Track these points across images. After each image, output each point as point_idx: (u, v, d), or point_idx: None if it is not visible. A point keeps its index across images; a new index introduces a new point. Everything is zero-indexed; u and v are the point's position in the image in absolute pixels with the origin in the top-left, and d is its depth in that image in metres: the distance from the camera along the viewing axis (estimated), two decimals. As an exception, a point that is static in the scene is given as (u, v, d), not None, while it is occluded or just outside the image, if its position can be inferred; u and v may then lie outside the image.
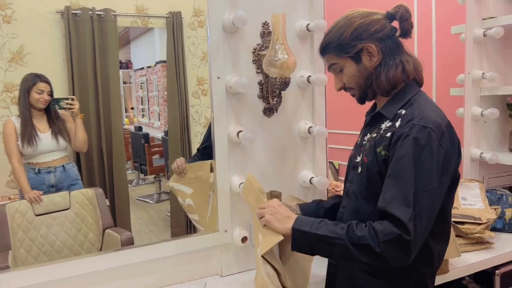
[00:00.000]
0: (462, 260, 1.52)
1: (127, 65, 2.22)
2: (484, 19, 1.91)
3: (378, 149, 1.02)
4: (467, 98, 1.93)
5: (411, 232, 0.91)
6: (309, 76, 1.49)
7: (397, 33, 1.10)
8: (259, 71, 1.47)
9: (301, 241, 1.02)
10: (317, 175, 1.57)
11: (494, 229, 1.73)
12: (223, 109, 1.41)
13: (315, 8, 1.52)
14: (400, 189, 0.94)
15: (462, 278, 1.64)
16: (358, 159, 1.12)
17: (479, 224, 1.61)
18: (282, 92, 1.44)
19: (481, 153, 1.92)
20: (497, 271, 1.65)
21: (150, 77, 2.37)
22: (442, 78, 2.22)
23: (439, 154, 0.95)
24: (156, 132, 2.44)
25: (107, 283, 1.34)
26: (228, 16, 1.36)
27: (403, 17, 1.07)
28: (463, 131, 1.94)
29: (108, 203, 2.02)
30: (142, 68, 2.31)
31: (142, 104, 2.50)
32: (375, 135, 1.08)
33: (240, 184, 1.42)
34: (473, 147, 1.96)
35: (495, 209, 1.74)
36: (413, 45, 2.22)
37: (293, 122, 1.56)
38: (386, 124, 1.05)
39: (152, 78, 2.36)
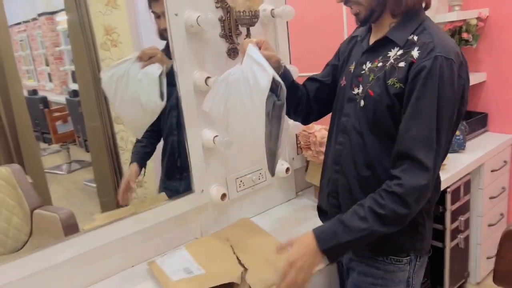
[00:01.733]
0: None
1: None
2: None
3: (389, 81, 0.93)
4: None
5: (433, 174, 0.89)
6: (273, 9, 1.35)
7: None
8: (218, 5, 1.28)
9: (334, 256, 0.96)
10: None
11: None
12: (185, 53, 1.21)
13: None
14: (424, 130, 0.89)
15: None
16: (357, 90, 1.01)
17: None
18: (251, 28, 1.28)
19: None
20: (448, 189, 1.78)
21: (32, 33, 1.98)
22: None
23: (459, 86, 0.90)
24: (51, 95, 2.11)
25: (74, 274, 1.14)
26: None
27: None
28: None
29: (30, 180, 1.71)
30: (19, 24, 1.90)
31: (25, 65, 2.10)
32: (380, 64, 0.97)
33: (214, 137, 1.27)
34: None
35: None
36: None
37: (257, 63, 1.42)
38: (396, 52, 0.94)
39: (35, 34, 1.98)
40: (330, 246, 0.93)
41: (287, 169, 1.50)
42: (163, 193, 1.37)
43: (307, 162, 1.60)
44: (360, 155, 1.00)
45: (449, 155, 1.80)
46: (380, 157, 0.97)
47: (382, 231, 0.91)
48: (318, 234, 0.95)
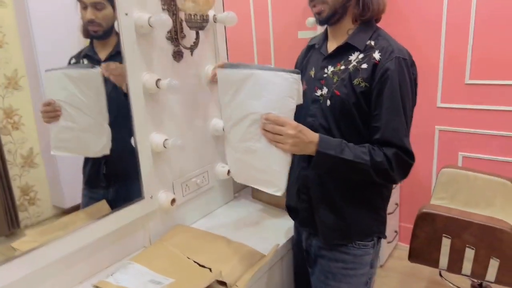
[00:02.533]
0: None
1: None
2: None
3: (355, 81, 1.04)
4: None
5: (414, 157, 1.05)
6: (214, 14, 1.38)
7: None
8: (165, 7, 1.26)
9: (323, 163, 1.02)
10: (226, 121, 1.52)
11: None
12: (135, 54, 1.17)
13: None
14: (400, 121, 1.03)
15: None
16: (320, 92, 1.11)
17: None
18: (200, 32, 1.29)
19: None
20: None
21: None
22: (291, 21, 2.39)
23: (411, 82, 1.06)
24: None
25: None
26: None
27: None
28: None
29: None
30: None
31: None
32: (343, 67, 1.08)
33: (164, 140, 1.24)
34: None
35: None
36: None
37: (199, 66, 1.43)
38: (358, 56, 1.06)
39: None
40: (326, 153, 1.01)
41: (228, 171, 1.53)
42: (104, 203, 1.28)
43: (245, 163, 1.65)
44: None
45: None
46: None
47: (371, 174, 1.02)
48: (323, 138, 1.03)
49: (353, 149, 1.03)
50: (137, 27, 1.16)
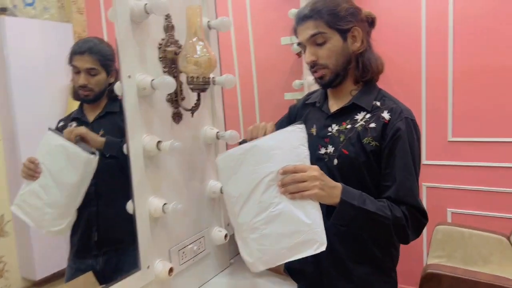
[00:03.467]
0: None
1: None
2: (309, 32, 2.23)
3: (364, 140, 1.05)
4: (307, 100, 2.21)
5: (427, 216, 1.06)
6: (214, 77, 1.38)
7: None
8: (166, 69, 1.25)
9: (346, 213, 0.98)
10: (223, 183, 1.47)
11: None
12: (137, 117, 1.14)
13: (208, 4, 1.42)
14: (413, 180, 1.04)
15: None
16: (324, 150, 1.11)
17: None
18: (201, 94, 1.28)
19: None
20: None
21: None
22: (277, 83, 2.45)
23: (418, 142, 1.09)
24: None
25: None
26: (137, 2, 1.11)
27: (373, 23, 1.15)
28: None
29: None
30: None
31: None
32: (349, 126, 1.09)
33: (163, 205, 1.18)
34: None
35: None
36: (249, 55, 2.36)
37: (197, 128, 1.41)
38: (365, 115, 1.08)
39: None
40: (349, 202, 0.97)
41: (226, 236, 1.46)
42: (90, 275, 1.18)
43: (242, 227, 1.58)
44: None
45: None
46: None
47: (390, 230, 1.00)
48: (345, 187, 0.99)
49: (374, 202, 1.00)
50: (139, 89, 1.14)
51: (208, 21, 1.38)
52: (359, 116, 1.09)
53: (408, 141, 1.03)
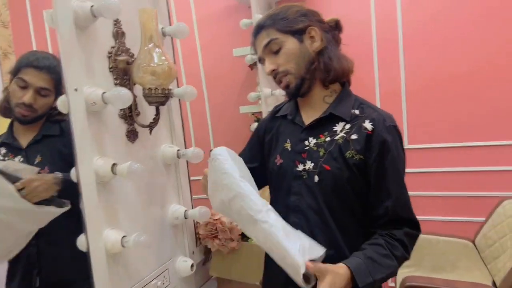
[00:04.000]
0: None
1: None
2: (262, 43, 2.16)
3: (347, 154, 0.95)
4: (263, 114, 2.12)
5: (420, 227, 1.01)
6: (171, 89, 1.24)
7: None
8: (117, 81, 1.10)
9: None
10: (186, 207, 1.32)
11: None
12: (87, 136, 0.97)
13: (161, 10, 1.29)
14: (406, 194, 0.99)
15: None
16: (302, 167, 0.99)
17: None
18: (160, 108, 1.13)
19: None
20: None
21: None
22: (231, 96, 2.34)
23: (403, 150, 1.01)
24: None
25: None
26: (81, 4, 0.95)
27: (338, 27, 1.07)
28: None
29: None
30: None
31: None
32: (328, 138, 0.99)
33: (122, 238, 1.01)
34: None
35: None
36: (198, 67, 2.24)
37: (155, 146, 1.25)
38: (344, 126, 0.99)
39: None
40: (367, 283, 0.90)
41: (192, 266, 1.31)
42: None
43: (209, 253, 1.43)
44: (321, 234, 0.96)
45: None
46: (343, 232, 0.96)
47: (397, 271, 0.96)
48: (355, 269, 0.90)
49: (379, 260, 0.93)
50: (88, 104, 0.97)
51: (162, 27, 1.25)
52: (338, 127, 0.99)
53: (396, 152, 0.96)
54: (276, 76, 1.03)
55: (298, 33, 1.00)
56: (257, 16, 2.09)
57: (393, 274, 0.96)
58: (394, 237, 0.96)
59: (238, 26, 2.13)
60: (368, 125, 0.97)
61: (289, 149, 1.04)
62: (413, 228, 0.98)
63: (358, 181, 0.96)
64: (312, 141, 1.01)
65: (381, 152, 0.95)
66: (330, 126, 1.01)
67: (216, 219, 1.34)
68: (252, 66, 2.24)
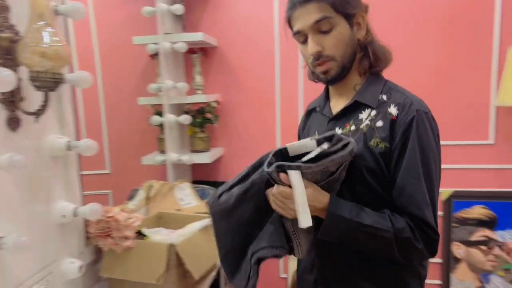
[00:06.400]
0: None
1: None
2: (165, 33, 2.08)
3: (372, 142, 0.90)
4: (165, 106, 2.05)
5: (437, 231, 0.89)
6: (62, 73, 1.12)
7: None
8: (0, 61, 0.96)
9: (334, 228, 0.86)
10: (75, 204, 1.21)
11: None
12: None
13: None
14: (418, 186, 0.87)
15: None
16: None
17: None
18: (49, 94, 1.00)
19: (179, 155, 2.10)
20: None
21: None
22: (129, 86, 2.20)
23: (435, 139, 0.92)
24: None
25: None
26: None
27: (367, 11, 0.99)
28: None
29: None
30: None
31: None
32: (353, 127, 0.94)
33: (-3, 239, 0.88)
34: (171, 152, 2.11)
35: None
36: (92, 55, 2.07)
37: (41, 137, 1.12)
38: (370, 113, 0.93)
39: None
40: (339, 214, 0.85)
41: (80, 267, 1.20)
42: None
43: (100, 253, 1.33)
44: None
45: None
46: None
47: (392, 245, 0.86)
48: (334, 198, 0.88)
49: (371, 213, 0.88)
50: (-42, 85, 0.83)
51: (55, 5, 1.12)
52: (363, 115, 0.94)
53: (418, 138, 0.87)
54: (318, 58, 0.95)
55: (351, 18, 0.94)
56: (162, 5, 2.01)
57: (384, 241, 0.85)
58: (402, 216, 0.88)
59: (140, 13, 2.03)
60: (393, 110, 0.91)
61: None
62: (426, 227, 0.88)
63: (384, 171, 0.90)
64: (338, 131, 0.97)
65: (402, 139, 0.88)
66: (356, 114, 0.96)
67: (110, 217, 1.25)
68: (154, 56, 2.15)
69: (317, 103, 1.12)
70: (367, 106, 0.95)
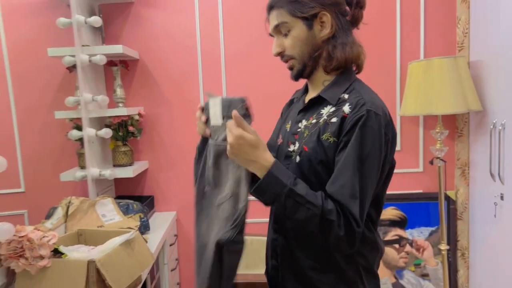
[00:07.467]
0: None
1: None
2: (83, 45, 2.03)
3: (323, 136, 0.96)
4: (84, 120, 1.98)
5: (361, 224, 0.92)
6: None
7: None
8: None
9: (269, 188, 0.92)
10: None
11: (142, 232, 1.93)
12: None
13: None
14: (350, 178, 0.91)
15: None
16: (292, 147, 1.04)
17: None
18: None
19: (100, 171, 2.04)
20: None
21: None
22: (43, 100, 2.10)
23: (384, 143, 0.95)
24: None
25: None
26: None
27: (359, 3, 1.05)
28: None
29: None
30: None
31: None
32: (314, 121, 1.01)
33: None
34: (91, 167, 2.04)
35: (132, 217, 1.93)
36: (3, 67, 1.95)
37: None
38: (329, 110, 1.00)
39: None
40: (277, 177, 0.91)
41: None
42: None
43: (13, 276, 1.26)
44: None
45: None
46: None
47: (315, 222, 0.90)
48: (278, 162, 0.95)
49: (306, 187, 0.93)
50: None
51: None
52: (324, 110, 1.01)
53: (360, 136, 0.91)
54: (282, 57, 1.07)
55: (309, 19, 1.01)
56: (78, 17, 1.96)
57: (311, 216, 0.90)
58: (333, 201, 0.92)
59: (54, 25, 1.96)
60: (347, 108, 0.96)
61: (288, 130, 1.10)
62: (351, 217, 0.91)
63: (330, 164, 0.96)
64: (303, 123, 1.06)
65: (348, 134, 0.93)
66: (319, 109, 1.03)
67: (22, 236, 1.19)
68: (71, 68, 2.08)
69: (298, 94, 1.22)
70: (329, 103, 1.02)
